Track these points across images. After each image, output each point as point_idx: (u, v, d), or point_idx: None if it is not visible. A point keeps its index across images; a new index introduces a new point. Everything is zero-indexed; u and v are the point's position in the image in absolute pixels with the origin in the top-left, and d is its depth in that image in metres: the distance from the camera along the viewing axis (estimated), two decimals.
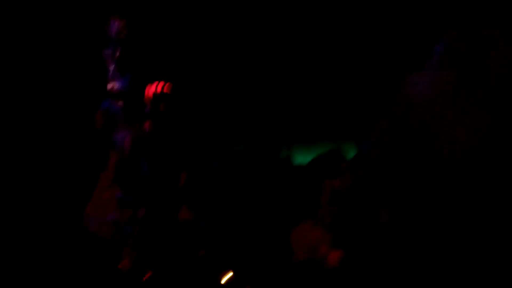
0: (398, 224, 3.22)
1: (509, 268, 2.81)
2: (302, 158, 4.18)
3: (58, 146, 3.26)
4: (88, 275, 3.09)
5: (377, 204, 3.36)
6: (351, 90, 4.19)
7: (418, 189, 3.18)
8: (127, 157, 3.45)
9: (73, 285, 2.89)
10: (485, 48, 3.04)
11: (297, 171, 4.03)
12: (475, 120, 3.02)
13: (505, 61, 3.00)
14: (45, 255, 2.84)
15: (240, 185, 3.78)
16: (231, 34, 4.06)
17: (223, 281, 3.68)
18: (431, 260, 3.01)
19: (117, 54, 3.24)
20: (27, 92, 3.45)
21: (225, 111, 3.99)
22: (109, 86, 3.29)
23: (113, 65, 3.26)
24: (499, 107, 2.96)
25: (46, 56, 3.50)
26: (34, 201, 3.08)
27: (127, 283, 3.41)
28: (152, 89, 3.38)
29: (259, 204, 3.71)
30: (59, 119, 3.49)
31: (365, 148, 3.65)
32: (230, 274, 3.52)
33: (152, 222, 3.50)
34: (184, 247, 3.57)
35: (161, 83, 3.38)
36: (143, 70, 3.49)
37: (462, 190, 3.01)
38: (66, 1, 3.68)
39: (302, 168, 3.99)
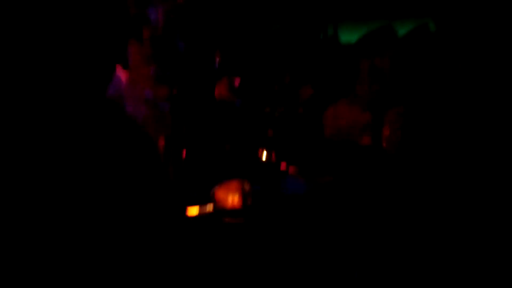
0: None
1: None
2: (349, 36, 3.98)
3: (90, 26, 3.18)
4: (125, 154, 3.10)
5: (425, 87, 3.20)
6: None
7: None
8: (161, 33, 3.37)
9: (109, 164, 2.89)
10: None
11: (342, 50, 3.86)
12: None
13: None
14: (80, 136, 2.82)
15: (279, 64, 3.66)
16: None
17: (263, 157, 3.68)
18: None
19: None
20: None
21: None
22: None
23: None
24: None
25: None
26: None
27: (164, 161, 3.44)
28: None
29: (297, 81, 3.59)
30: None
31: (419, 27, 3.44)
32: (265, 152, 3.51)
33: (188, 99, 3.47)
34: (219, 124, 3.55)
35: None
36: None
37: None
38: None
39: (349, 46, 3.82)
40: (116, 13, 3.03)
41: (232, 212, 3.20)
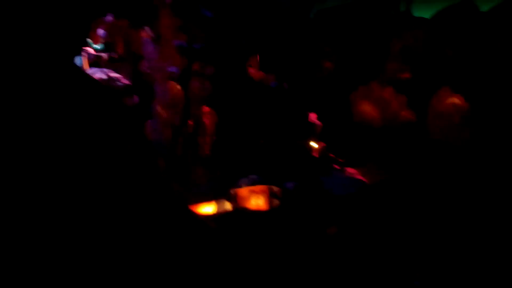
0: None
1: None
2: (425, 11, 3.41)
3: None
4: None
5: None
6: None
7: None
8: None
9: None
10: None
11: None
12: None
13: None
14: None
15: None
16: None
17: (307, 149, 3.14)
18: None
19: None
20: None
21: None
22: None
23: None
24: None
25: None
26: None
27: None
28: None
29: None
30: None
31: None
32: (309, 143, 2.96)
33: (216, 76, 2.99)
34: (252, 111, 3.04)
35: None
36: None
37: None
38: None
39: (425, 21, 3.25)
40: None
41: (255, 213, 2.66)
